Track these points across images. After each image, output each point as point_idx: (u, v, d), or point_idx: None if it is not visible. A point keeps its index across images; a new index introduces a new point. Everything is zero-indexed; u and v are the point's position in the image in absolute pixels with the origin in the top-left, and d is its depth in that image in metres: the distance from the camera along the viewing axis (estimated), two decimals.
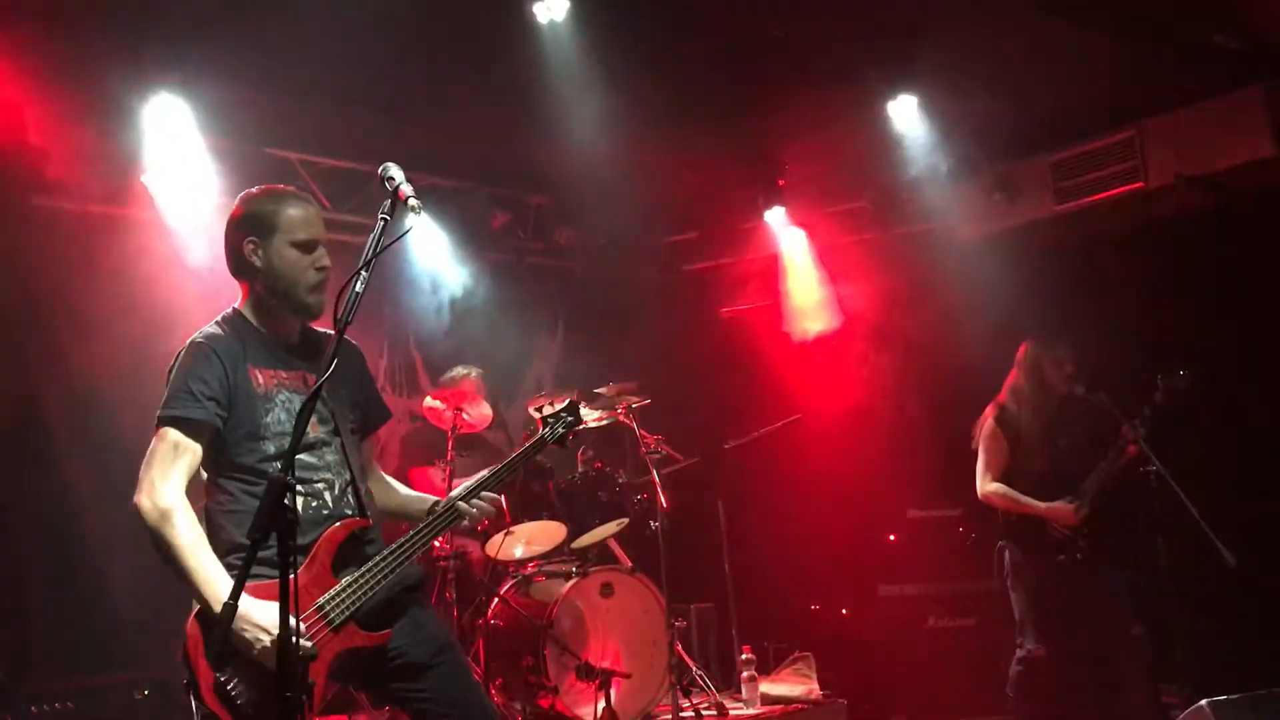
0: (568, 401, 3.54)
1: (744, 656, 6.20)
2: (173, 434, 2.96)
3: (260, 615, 2.80)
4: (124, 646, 5.60)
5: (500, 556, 5.81)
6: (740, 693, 6.16)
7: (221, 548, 2.96)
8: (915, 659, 6.78)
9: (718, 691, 6.05)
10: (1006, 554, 5.48)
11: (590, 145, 6.46)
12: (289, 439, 2.81)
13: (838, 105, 6.68)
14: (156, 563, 2.92)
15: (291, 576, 2.45)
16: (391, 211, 2.86)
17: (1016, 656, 5.40)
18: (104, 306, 5.91)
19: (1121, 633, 5.25)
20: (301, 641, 2.67)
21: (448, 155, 7.18)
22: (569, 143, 6.45)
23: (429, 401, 6.32)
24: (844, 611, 7.39)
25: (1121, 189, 6.76)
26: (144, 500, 2.90)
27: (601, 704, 5.34)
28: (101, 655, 5.60)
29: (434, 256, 7.49)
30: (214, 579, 2.84)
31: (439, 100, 6.34)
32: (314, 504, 3.04)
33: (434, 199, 7.09)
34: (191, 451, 2.97)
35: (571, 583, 5.66)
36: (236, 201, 3.20)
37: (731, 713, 5.92)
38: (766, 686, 6.25)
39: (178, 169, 6.11)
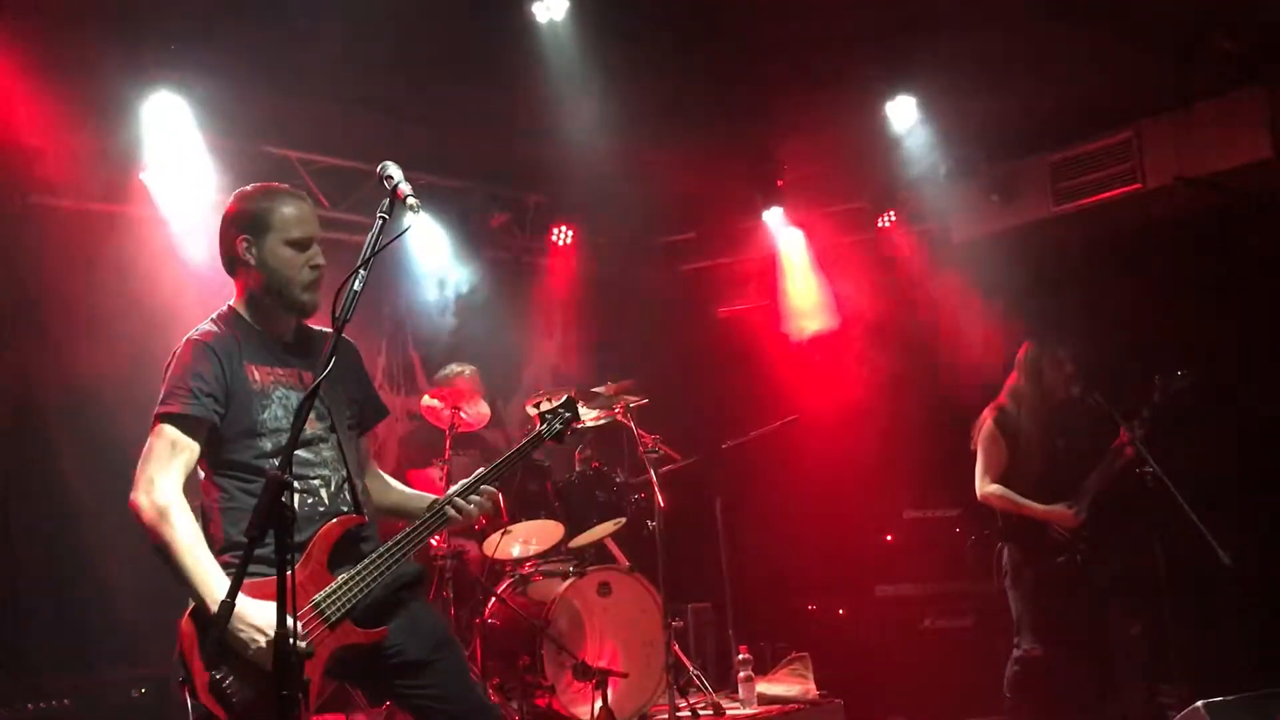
0: (565, 397, 3.54)
1: (741, 656, 6.19)
2: (170, 431, 2.96)
3: (256, 615, 2.80)
4: (121, 644, 5.59)
5: (497, 555, 5.81)
6: (737, 692, 6.15)
7: (218, 545, 2.96)
8: (912, 659, 6.79)
9: (714, 691, 6.05)
10: (1005, 554, 5.48)
11: (589, 145, 6.47)
12: (286, 435, 2.81)
13: (836, 105, 6.69)
14: (154, 560, 2.92)
15: (289, 574, 2.45)
16: (390, 210, 2.87)
17: (1013, 656, 5.40)
18: (103, 304, 5.91)
19: (1118, 633, 5.25)
20: (297, 641, 2.67)
21: (447, 154, 7.17)
22: (568, 142, 6.46)
23: (427, 400, 6.32)
24: (841, 612, 7.40)
25: (1120, 190, 6.77)
26: (141, 498, 2.90)
27: (598, 703, 5.34)
28: (99, 653, 5.60)
29: (432, 255, 7.49)
30: (210, 577, 2.84)
31: (438, 99, 6.33)
32: (310, 501, 3.04)
33: (433, 198, 7.08)
34: (189, 449, 2.97)
35: (569, 582, 5.65)
36: (231, 199, 3.20)
37: (728, 712, 5.92)
38: (763, 686, 6.25)
39: (177, 167, 6.11)
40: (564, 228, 8.19)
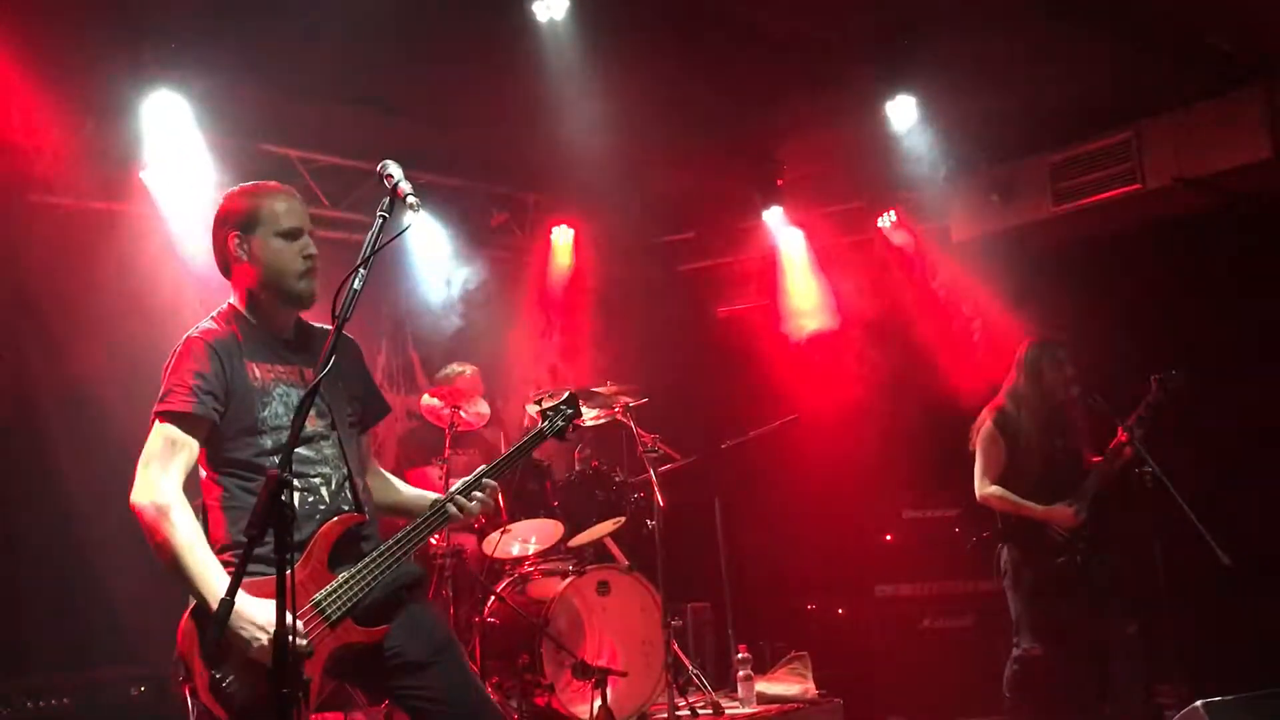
0: (567, 394, 3.53)
1: (740, 655, 6.19)
2: (169, 430, 2.96)
3: (256, 614, 2.79)
4: (121, 642, 5.59)
5: (497, 554, 5.81)
6: (736, 692, 6.16)
7: (218, 544, 2.96)
8: (911, 659, 6.79)
9: (713, 690, 6.06)
10: (1005, 554, 5.48)
11: (589, 144, 6.46)
12: (286, 433, 2.81)
13: (836, 105, 6.69)
14: (153, 559, 2.91)
15: (289, 572, 2.45)
16: (390, 209, 2.87)
17: (1012, 656, 5.41)
18: (102, 302, 5.91)
19: (1117, 633, 5.25)
20: (297, 640, 2.67)
21: (446, 153, 7.18)
22: (568, 142, 6.45)
23: (427, 399, 6.32)
24: (840, 611, 7.40)
25: (1119, 190, 6.76)
26: (141, 497, 2.90)
27: (597, 702, 5.34)
28: (98, 651, 5.60)
29: (432, 254, 7.49)
30: (211, 576, 2.83)
31: (438, 98, 6.34)
32: (310, 499, 3.04)
33: (432, 197, 7.08)
34: (189, 447, 2.97)
35: (568, 581, 5.65)
36: (220, 200, 3.21)
37: (727, 712, 5.93)
38: (762, 686, 6.25)
39: (176, 165, 6.10)
40: (564, 227, 8.20)
